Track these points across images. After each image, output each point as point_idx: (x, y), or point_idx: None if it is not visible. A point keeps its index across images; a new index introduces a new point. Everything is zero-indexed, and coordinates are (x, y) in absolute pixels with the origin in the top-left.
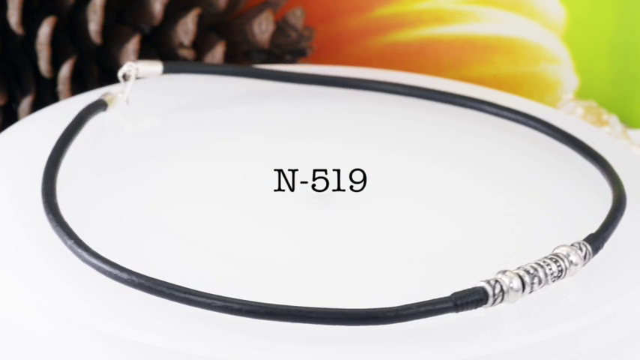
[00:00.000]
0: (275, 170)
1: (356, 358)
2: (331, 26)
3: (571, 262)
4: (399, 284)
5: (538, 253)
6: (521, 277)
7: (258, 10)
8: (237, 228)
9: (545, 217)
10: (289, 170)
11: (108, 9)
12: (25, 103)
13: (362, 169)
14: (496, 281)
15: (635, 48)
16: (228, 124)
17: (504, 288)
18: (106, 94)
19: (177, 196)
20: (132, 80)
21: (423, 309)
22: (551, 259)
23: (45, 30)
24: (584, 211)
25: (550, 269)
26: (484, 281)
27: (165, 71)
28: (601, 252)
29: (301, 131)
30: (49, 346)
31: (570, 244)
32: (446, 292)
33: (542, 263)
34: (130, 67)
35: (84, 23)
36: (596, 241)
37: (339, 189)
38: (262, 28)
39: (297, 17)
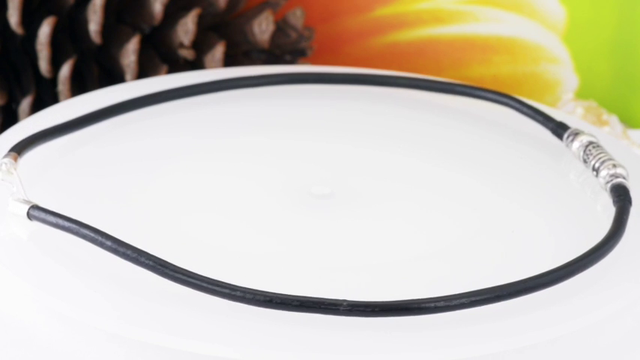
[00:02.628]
0: (274, 170)
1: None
2: (331, 26)
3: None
4: (401, 284)
5: (539, 252)
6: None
7: (258, 10)
8: (237, 228)
9: (546, 217)
10: (289, 170)
11: (108, 9)
12: (25, 103)
13: (362, 169)
14: (616, 176)
15: (635, 48)
16: (226, 124)
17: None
18: (16, 201)
19: (177, 197)
20: (15, 176)
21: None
22: (593, 147)
23: (45, 30)
24: (585, 210)
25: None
26: (609, 180)
27: (20, 154)
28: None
29: (301, 131)
30: (55, 348)
31: (570, 135)
32: (448, 292)
33: (598, 152)
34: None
35: (84, 23)
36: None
37: (338, 189)
38: (262, 28)
39: (297, 17)
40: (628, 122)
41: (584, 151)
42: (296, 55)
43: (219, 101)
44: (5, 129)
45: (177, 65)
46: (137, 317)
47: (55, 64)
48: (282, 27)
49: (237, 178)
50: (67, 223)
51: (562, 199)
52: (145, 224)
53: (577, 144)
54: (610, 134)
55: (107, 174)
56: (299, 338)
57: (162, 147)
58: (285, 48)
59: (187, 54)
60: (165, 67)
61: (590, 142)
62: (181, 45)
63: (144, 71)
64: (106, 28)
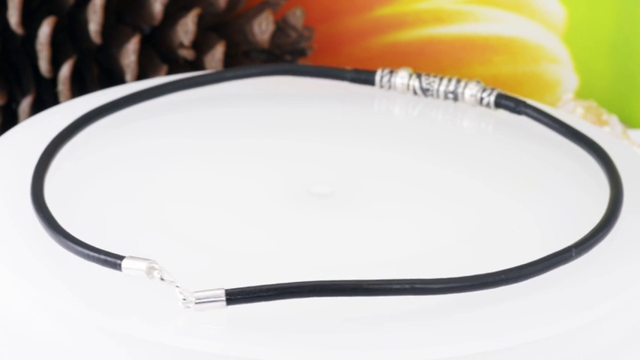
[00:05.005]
0: (275, 170)
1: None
2: (331, 26)
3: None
4: None
5: (538, 253)
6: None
7: (258, 10)
8: (235, 228)
9: (545, 216)
10: (289, 170)
11: (108, 9)
12: (25, 103)
13: (362, 169)
14: (490, 89)
15: (635, 48)
16: (226, 124)
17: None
18: (203, 294)
19: (176, 196)
20: (165, 272)
21: None
22: (426, 76)
23: (45, 30)
24: (585, 210)
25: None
26: (485, 96)
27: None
28: (601, 250)
29: (301, 131)
30: (55, 347)
31: (385, 75)
32: None
33: (439, 78)
34: (152, 270)
35: (84, 23)
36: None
37: (338, 189)
38: (262, 28)
39: (297, 17)
40: (628, 122)
41: (421, 82)
42: (296, 55)
43: (219, 101)
44: (5, 129)
45: (177, 65)
46: (137, 316)
47: (55, 64)
48: (282, 27)
49: (237, 178)
50: (268, 293)
51: (564, 197)
52: (145, 225)
53: (401, 79)
54: (610, 134)
55: (106, 176)
56: (298, 336)
57: (160, 147)
58: (285, 48)
59: (187, 54)
60: (165, 67)
61: (418, 73)
62: (181, 45)
63: (144, 71)
64: (106, 28)
